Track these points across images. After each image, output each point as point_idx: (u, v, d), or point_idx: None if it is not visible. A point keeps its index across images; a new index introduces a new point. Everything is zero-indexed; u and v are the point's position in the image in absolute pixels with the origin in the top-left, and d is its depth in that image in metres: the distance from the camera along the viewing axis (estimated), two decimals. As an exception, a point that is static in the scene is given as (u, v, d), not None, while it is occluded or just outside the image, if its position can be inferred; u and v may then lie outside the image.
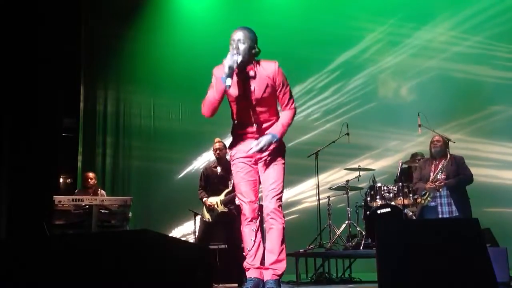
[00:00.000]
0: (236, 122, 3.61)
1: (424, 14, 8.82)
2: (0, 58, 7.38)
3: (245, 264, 3.53)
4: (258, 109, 3.48)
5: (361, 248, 6.05)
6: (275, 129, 3.49)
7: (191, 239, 7.44)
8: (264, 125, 3.54)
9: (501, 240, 5.71)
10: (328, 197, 6.99)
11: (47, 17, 7.93)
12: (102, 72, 9.42)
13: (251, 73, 3.43)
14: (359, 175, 6.89)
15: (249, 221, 3.51)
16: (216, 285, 5.24)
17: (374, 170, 7.00)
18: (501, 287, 3.99)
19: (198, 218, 6.51)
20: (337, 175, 8.23)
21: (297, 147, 7.52)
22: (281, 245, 3.47)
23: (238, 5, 9.24)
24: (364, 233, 6.21)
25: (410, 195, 6.11)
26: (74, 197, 5.75)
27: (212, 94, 3.44)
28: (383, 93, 8.78)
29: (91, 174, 7.17)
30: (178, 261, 2.67)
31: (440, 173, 5.66)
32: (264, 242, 3.62)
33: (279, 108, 3.63)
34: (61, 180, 8.64)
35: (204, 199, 6.14)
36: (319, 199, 6.79)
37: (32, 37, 7.73)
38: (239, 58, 3.34)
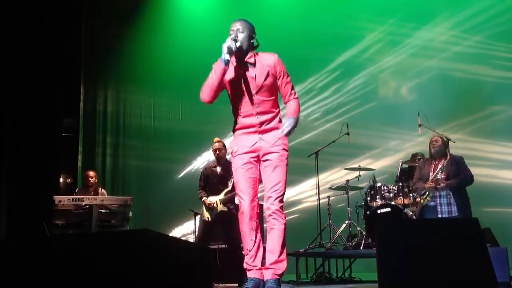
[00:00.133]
0: (238, 116, 3.58)
1: (424, 14, 8.82)
2: (0, 58, 7.38)
3: (245, 265, 3.52)
4: (260, 97, 3.49)
5: (361, 248, 6.05)
6: (290, 113, 3.50)
7: (191, 239, 7.44)
8: (266, 117, 3.52)
9: (501, 240, 5.71)
10: (328, 196, 6.99)
11: (47, 17, 7.93)
12: (102, 72, 9.42)
13: (251, 60, 3.51)
14: (359, 175, 6.90)
15: (249, 220, 3.47)
16: (216, 284, 5.24)
17: (374, 170, 7.00)
18: (501, 287, 3.99)
19: (198, 218, 6.51)
20: (337, 175, 8.23)
21: (297, 147, 7.51)
22: (282, 246, 3.46)
23: (238, 5, 9.24)
24: (364, 233, 6.21)
25: (410, 195, 6.11)
26: (74, 196, 5.74)
27: (211, 77, 3.48)
28: (383, 93, 8.78)
29: (91, 173, 7.17)
30: (178, 261, 2.67)
31: (440, 173, 5.66)
32: (264, 242, 3.62)
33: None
34: (61, 180, 8.64)
35: (204, 198, 6.15)
36: (319, 199, 6.79)
37: (32, 37, 7.73)
38: (238, 43, 3.44)
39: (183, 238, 8.18)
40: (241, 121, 3.57)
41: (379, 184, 6.42)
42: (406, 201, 6.02)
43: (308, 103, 8.88)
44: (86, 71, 9.28)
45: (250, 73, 3.50)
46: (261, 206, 4.03)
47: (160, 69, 9.32)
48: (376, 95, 8.77)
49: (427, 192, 5.71)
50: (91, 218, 5.45)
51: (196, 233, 6.49)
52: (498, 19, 8.28)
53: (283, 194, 3.50)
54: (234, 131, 3.66)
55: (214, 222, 6.01)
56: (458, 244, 2.85)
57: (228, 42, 3.41)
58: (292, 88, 3.61)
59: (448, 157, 5.71)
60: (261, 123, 3.53)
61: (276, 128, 3.56)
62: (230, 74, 3.54)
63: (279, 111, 3.61)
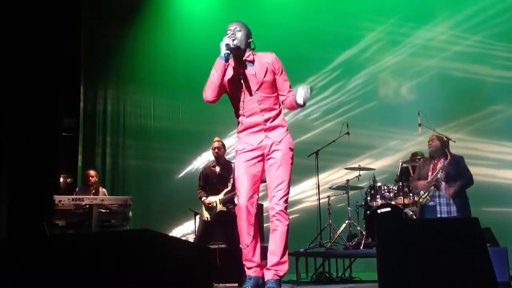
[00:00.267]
0: (242, 117, 3.58)
1: (424, 14, 8.82)
2: (0, 58, 7.39)
3: (244, 262, 3.51)
4: (262, 94, 3.51)
5: (361, 247, 6.05)
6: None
7: (191, 238, 7.44)
8: (270, 114, 3.53)
9: (501, 239, 5.71)
10: (328, 196, 6.99)
11: (47, 17, 7.94)
12: (102, 72, 9.42)
13: (250, 58, 3.56)
14: (359, 175, 6.90)
15: (246, 214, 3.44)
16: (216, 284, 5.25)
17: (374, 169, 7.00)
18: (501, 286, 3.99)
19: (198, 217, 6.51)
20: (337, 175, 8.23)
21: (297, 147, 7.40)
22: (285, 248, 3.45)
23: (238, 5, 9.25)
24: (364, 233, 6.21)
25: (410, 194, 6.11)
26: (74, 196, 5.75)
27: (212, 75, 3.50)
28: (383, 93, 8.78)
29: (92, 172, 7.16)
30: (178, 261, 2.67)
31: (440, 173, 5.66)
32: (262, 241, 3.61)
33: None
34: (61, 179, 8.65)
35: (203, 198, 6.14)
36: (319, 199, 6.79)
37: (32, 37, 7.74)
38: (236, 41, 3.48)
39: (183, 238, 8.18)
40: (246, 121, 3.57)
41: (379, 184, 6.42)
42: (406, 201, 6.03)
43: (308, 102, 8.83)
44: (86, 71, 9.28)
45: (250, 70, 3.53)
46: (260, 206, 4.02)
47: (160, 69, 9.32)
48: (376, 95, 8.77)
49: (427, 192, 5.71)
50: (91, 218, 5.45)
51: (196, 233, 6.49)
52: (497, 18, 8.28)
53: (287, 193, 3.50)
54: (238, 132, 3.65)
55: (214, 222, 6.01)
56: (458, 244, 2.85)
57: (226, 40, 3.45)
58: (290, 86, 3.64)
59: (448, 157, 5.71)
60: (266, 120, 3.53)
61: (281, 125, 3.57)
62: (230, 73, 3.56)
63: (281, 109, 3.63)
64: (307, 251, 6.32)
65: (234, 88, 3.57)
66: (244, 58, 3.56)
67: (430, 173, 5.77)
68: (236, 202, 5.84)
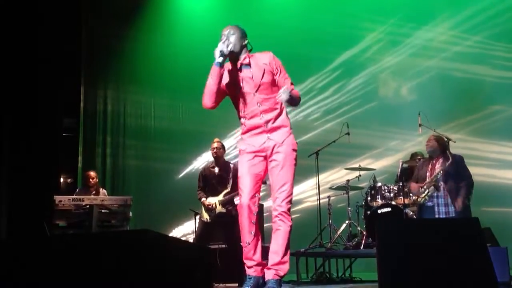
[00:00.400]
0: (244, 119, 3.60)
1: (424, 14, 8.82)
2: (0, 58, 7.39)
3: (245, 260, 3.51)
4: (260, 96, 3.50)
5: (361, 247, 6.05)
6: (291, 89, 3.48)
7: (192, 238, 7.44)
8: (271, 115, 3.52)
9: (501, 239, 5.70)
10: (329, 196, 6.99)
11: (47, 17, 7.95)
12: (102, 72, 9.42)
13: (246, 61, 3.55)
14: (360, 175, 6.90)
15: (248, 213, 3.46)
16: (216, 284, 5.24)
17: (374, 169, 7.00)
18: (501, 286, 3.99)
19: (198, 217, 6.51)
20: (337, 175, 8.23)
21: (297, 147, 7.50)
22: (286, 248, 3.46)
23: (238, 5, 9.25)
24: (364, 233, 6.21)
25: (410, 194, 6.10)
26: (74, 196, 5.74)
27: (209, 82, 3.51)
28: (383, 93, 8.78)
29: (92, 173, 7.15)
30: (178, 261, 2.67)
31: (439, 174, 5.65)
32: (262, 242, 3.61)
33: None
34: (61, 180, 8.65)
35: (203, 199, 6.14)
36: (319, 199, 6.78)
37: (32, 37, 7.74)
38: (230, 45, 3.48)
39: (183, 238, 8.18)
40: (248, 123, 3.58)
41: (379, 184, 6.42)
42: (406, 201, 6.02)
43: (309, 103, 8.88)
44: (86, 71, 9.28)
45: (247, 73, 3.53)
46: (260, 206, 4.02)
47: (160, 69, 9.32)
48: (376, 95, 8.77)
49: (425, 192, 5.70)
50: (91, 218, 5.45)
51: (195, 233, 6.49)
52: (497, 19, 8.28)
53: (290, 195, 3.52)
54: (242, 134, 3.67)
55: (213, 223, 6.01)
56: (458, 244, 2.85)
57: (220, 47, 3.46)
58: (292, 83, 3.60)
59: (447, 157, 5.70)
60: (267, 122, 3.53)
61: (283, 125, 3.57)
62: (228, 78, 3.57)
63: (283, 108, 3.61)
64: (308, 251, 6.32)
65: (233, 92, 3.58)
66: (240, 62, 3.56)
67: (428, 174, 5.77)
68: (235, 202, 5.88)
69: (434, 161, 5.82)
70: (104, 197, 6.30)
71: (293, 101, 3.48)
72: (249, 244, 3.47)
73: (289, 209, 3.50)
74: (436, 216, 5.59)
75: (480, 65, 8.37)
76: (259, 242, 3.52)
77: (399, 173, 6.30)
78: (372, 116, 8.55)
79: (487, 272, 2.76)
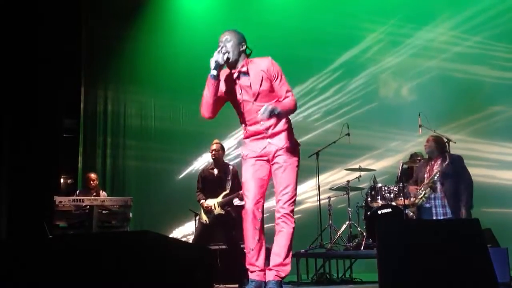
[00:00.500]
0: (245, 125, 3.59)
1: (425, 15, 8.81)
2: (0, 58, 7.40)
3: (247, 265, 3.51)
4: (260, 103, 3.45)
5: (361, 248, 6.05)
6: (277, 105, 3.39)
7: (192, 239, 7.43)
8: (270, 122, 3.49)
9: (501, 240, 5.70)
10: (329, 197, 6.99)
11: (47, 17, 7.95)
12: (102, 72, 9.42)
13: (243, 69, 3.49)
14: (360, 176, 6.89)
15: (252, 218, 3.44)
16: (216, 285, 5.24)
17: (374, 170, 6.99)
18: (501, 287, 3.98)
19: (197, 218, 6.50)
20: (337, 176, 8.22)
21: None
22: (288, 249, 3.46)
23: (238, 5, 9.24)
24: (364, 234, 6.21)
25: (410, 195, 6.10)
26: (74, 197, 5.74)
27: (205, 93, 3.48)
28: (384, 93, 8.78)
29: (93, 175, 7.13)
30: (178, 262, 2.67)
31: (437, 175, 5.64)
32: (266, 243, 3.61)
33: None
34: (61, 180, 8.65)
35: (202, 201, 6.12)
36: (319, 200, 6.78)
37: (32, 37, 7.74)
38: (226, 55, 3.42)
39: (183, 239, 8.17)
40: (249, 129, 3.58)
41: (379, 185, 6.41)
42: (406, 202, 6.01)
43: (309, 103, 8.87)
44: (86, 71, 9.28)
45: (245, 82, 3.48)
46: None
47: (160, 69, 9.31)
48: (377, 96, 8.76)
49: (423, 193, 5.70)
50: (92, 219, 5.44)
51: (194, 235, 6.48)
52: (498, 19, 8.27)
53: (293, 197, 3.50)
54: (244, 138, 3.67)
55: (212, 225, 5.99)
56: (459, 245, 2.85)
57: (215, 57, 3.39)
58: (288, 90, 3.50)
59: (445, 158, 5.69)
60: (267, 128, 3.52)
61: (284, 130, 3.55)
62: (225, 87, 3.53)
63: None
64: (308, 252, 6.32)
65: (232, 100, 3.57)
66: (238, 70, 3.49)
67: (426, 176, 5.77)
68: (235, 204, 5.87)
69: (432, 162, 5.82)
70: (104, 197, 6.29)
71: (280, 116, 3.38)
72: (252, 250, 3.46)
73: (292, 211, 3.48)
74: (434, 217, 5.59)
75: (480, 65, 8.36)
76: (263, 248, 3.50)
77: (399, 174, 6.30)
78: (373, 116, 8.54)
79: (488, 272, 2.75)
